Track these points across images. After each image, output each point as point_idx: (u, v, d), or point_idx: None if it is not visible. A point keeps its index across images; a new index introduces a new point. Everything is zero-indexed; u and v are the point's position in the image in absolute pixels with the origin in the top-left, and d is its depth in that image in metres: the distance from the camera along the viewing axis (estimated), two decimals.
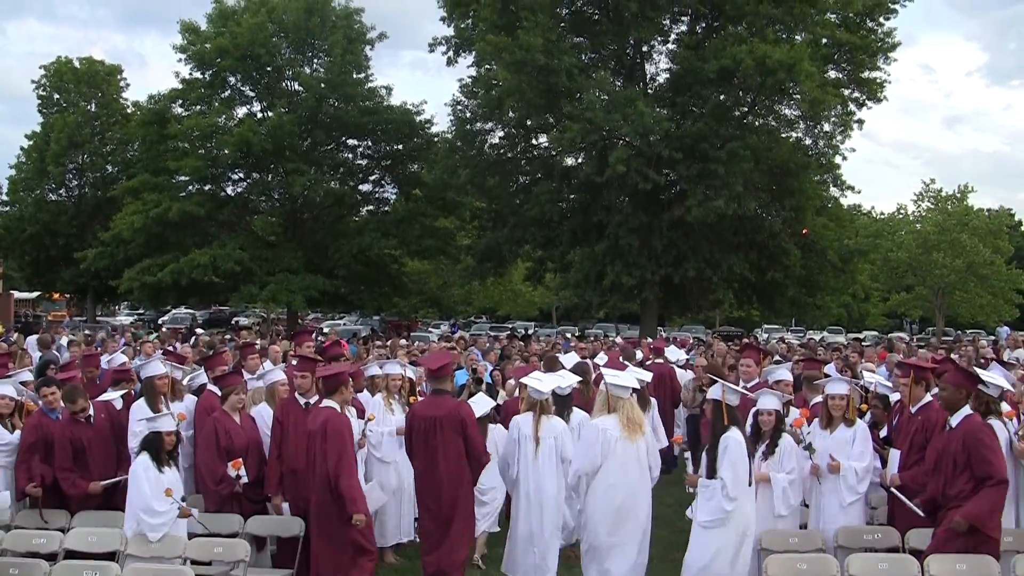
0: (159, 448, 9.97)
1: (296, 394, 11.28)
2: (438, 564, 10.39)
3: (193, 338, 31.55)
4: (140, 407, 11.26)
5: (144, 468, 9.85)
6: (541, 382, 10.61)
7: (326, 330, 43.57)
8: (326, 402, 10.17)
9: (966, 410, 9.33)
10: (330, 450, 9.66)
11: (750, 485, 9.63)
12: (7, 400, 11.22)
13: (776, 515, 10.00)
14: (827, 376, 12.50)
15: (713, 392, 9.95)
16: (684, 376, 18.73)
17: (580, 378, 12.52)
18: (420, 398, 12.88)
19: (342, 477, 9.59)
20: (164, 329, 39.98)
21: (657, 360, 19.04)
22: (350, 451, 9.91)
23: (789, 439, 10.27)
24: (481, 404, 12.14)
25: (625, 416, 10.11)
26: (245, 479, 10.63)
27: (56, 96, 57.35)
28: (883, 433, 11.20)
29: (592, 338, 36.53)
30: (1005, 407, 10.56)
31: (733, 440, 9.59)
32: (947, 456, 9.21)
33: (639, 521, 10.19)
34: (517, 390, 12.59)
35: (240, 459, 10.63)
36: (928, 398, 10.36)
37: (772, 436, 10.29)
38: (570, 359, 16.02)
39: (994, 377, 10.43)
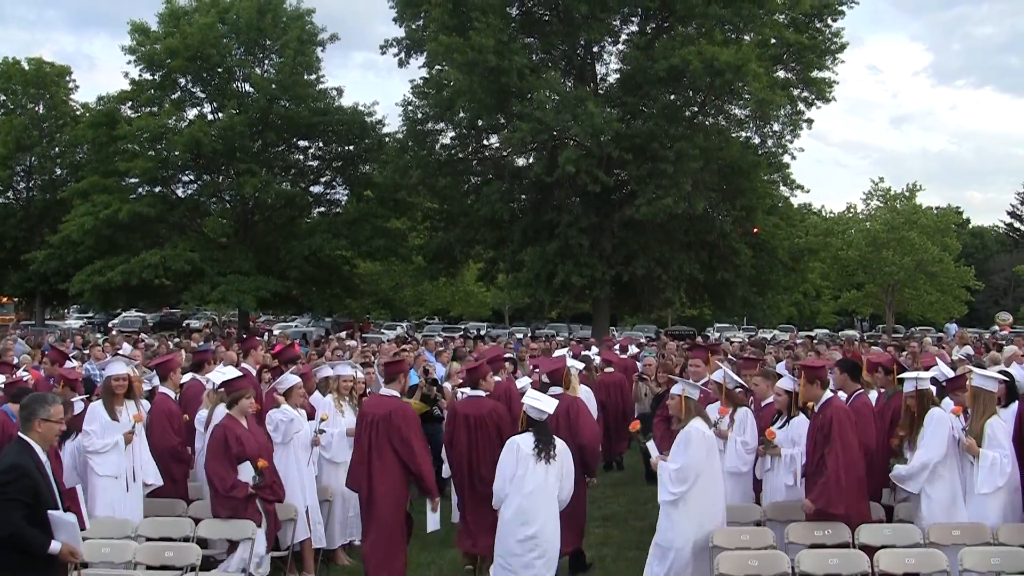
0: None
1: None
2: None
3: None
4: (97, 409, 11.13)
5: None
6: (540, 401, 10.41)
7: (276, 332, 43.39)
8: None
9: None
10: None
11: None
12: None
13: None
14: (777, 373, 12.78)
15: (675, 389, 10.46)
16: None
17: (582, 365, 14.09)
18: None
19: None
20: (114, 332, 39.60)
21: (623, 356, 20.63)
22: None
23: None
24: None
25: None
26: (259, 481, 10.48)
27: (3, 98, 56.54)
28: None
29: (544, 338, 36.61)
30: (950, 404, 10.76)
31: (696, 431, 9.99)
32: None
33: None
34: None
35: (263, 460, 10.52)
36: (828, 395, 10.55)
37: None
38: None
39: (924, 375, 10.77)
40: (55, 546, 7.11)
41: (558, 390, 11.60)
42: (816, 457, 10.15)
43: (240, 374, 12.28)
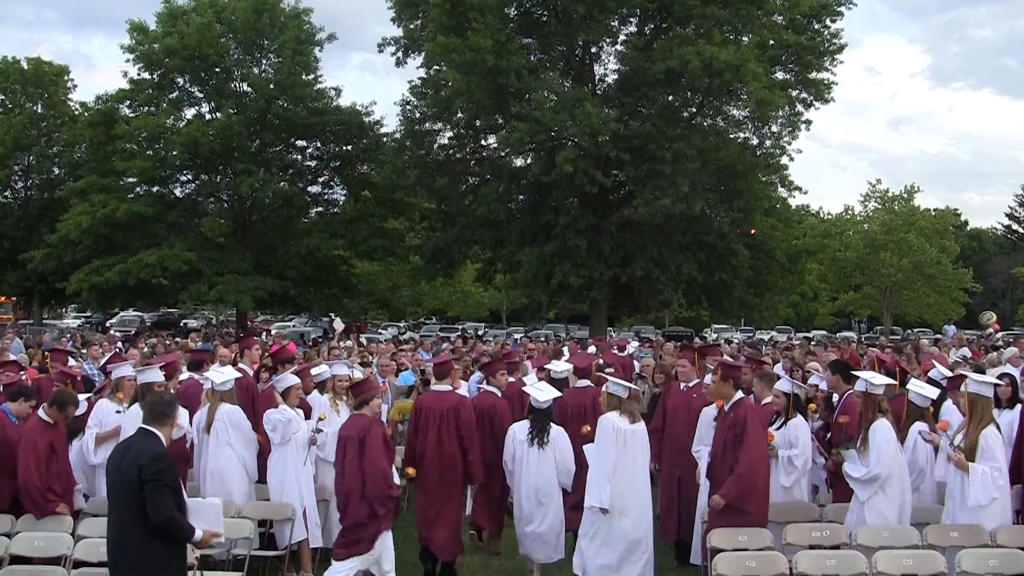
0: None
1: None
2: None
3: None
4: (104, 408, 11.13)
5: None
6: (541, 391, 11.52)
7: (273, 332, 43.31)
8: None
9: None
10: None
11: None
12: None
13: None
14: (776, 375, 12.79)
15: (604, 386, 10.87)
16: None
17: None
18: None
19: None
20: (112, 332, 39.51)
21: (620, 354, 20.68)
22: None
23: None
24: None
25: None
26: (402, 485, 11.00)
27: (1, 97, 56.56)
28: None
29: (543, 339, 36.61)
30: (951, 409, 10.84)
31: (606, 421, 10.34)
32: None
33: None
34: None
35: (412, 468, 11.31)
36: (739, 395, 10.55)
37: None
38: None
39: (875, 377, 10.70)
40: (199, 533, 7.30)
41: (585, 383, 12.96)
42: (729, 456, 10.18)
43: (239, 374, 12.28)
